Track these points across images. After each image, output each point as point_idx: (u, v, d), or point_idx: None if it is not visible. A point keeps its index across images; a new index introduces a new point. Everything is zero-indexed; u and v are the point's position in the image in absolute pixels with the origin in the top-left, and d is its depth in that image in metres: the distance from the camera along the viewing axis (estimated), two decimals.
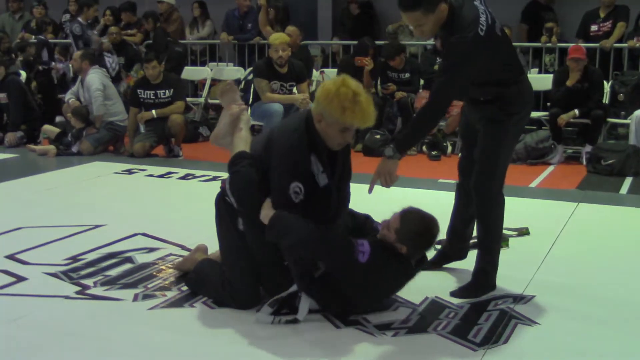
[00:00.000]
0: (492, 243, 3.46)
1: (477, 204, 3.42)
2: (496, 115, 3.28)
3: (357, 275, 3.01)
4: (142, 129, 7.36)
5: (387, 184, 3.22)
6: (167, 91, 7.29)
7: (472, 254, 3.75)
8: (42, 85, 9.04)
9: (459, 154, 3.69)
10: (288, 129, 3.15)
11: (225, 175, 3.29)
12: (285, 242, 3.01)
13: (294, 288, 3.11)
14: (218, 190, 3.37)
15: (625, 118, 7.23)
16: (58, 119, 8.78)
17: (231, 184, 3.18)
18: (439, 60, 7.73)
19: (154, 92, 7.27)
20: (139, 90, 7.31)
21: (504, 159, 3.38)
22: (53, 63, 9.51)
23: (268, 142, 3.18)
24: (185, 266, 3.70)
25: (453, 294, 3.43)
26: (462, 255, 3.79)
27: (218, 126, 3.60)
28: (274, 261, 3.16)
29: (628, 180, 6.30)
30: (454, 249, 3.79)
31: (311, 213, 3.03)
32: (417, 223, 3.09)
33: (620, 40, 7.95)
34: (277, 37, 6.93)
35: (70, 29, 9.17)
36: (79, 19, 8.98)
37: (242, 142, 3.38)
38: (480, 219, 3.45)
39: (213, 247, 3.68)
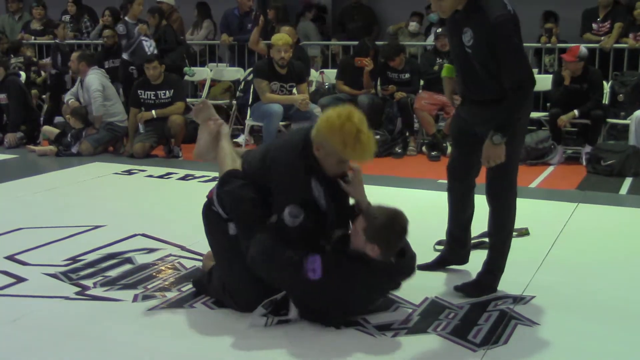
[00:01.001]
0: (503, 246, 3.43)
1: (491, 207, 3.37)
2: None
3: (315, 291, 2.98)
4: (141, 129, 7.35)
5: (488, 164, 3.20)
6: (167, 92, 7.29)
7: (473, 256, 3.76)
8: (52, 89, 9.01)
9: (448, 156, 3.62)
10: (286, 148, 3.14)
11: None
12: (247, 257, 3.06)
13: None
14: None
15: (625, 118, 7.23)
16: (57, 119, 8.78)
17: (225, 202, 3.18)
18: (439, 60, 7.74)
19: (154, 92, 7.27)
20: (139, 91, 7.31)
21: (515, 161, 3.33)
22: (67, 76, 9.24)
23: (264, 159, 3.17)
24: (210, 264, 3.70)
25: (457, 287, 3.43)
26: (463, 261, 3.75)
27: (199, 143, 3.62)
28: None
29: (628, 181, 6.30)
30: (454, 255, 3.75)
31: (307, 234, 3.05)
32: (381, 217, 3.04)
33: (618, 41, 7.94)
34: (280, 38, 6.93)
35: (116, 29, 8.72)
36: (126, 17, 8.41)
37: (229, 158, 3.39)
38: (494, 222, 3.40)
39: None
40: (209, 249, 3.64)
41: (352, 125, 2.97)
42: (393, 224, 3.05)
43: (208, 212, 3.32)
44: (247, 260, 3.07)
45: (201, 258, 3.97)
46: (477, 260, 3.58)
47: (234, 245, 3.18)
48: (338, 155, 3.03)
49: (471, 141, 3.36)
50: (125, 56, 8.38)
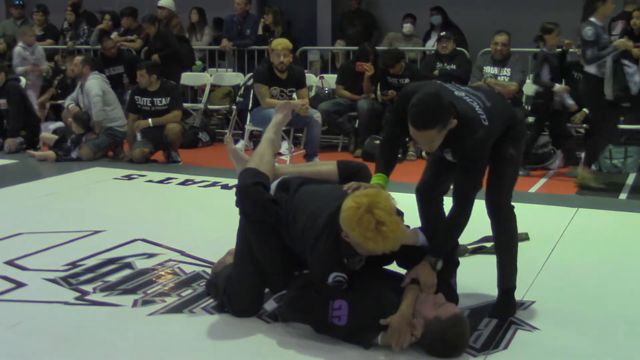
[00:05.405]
0: (516, 256, 3.33)
1: (500, 220, 3.25)
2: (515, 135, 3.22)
3: (340, 333, 2.96)
4: (138, 137, 7.35)
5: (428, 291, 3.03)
6: (163, 99, 7.27)
7: (473, 260, 3.75)
8: None
9: (422, 178, 3.45)
10: (319, 233, 2.97)
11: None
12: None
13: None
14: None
15: (625, 123, 7.22)
16: (55, 125, 8.75)
17: (243, 196, 3.17)
18: (439, 65, 7.77)
19: (150, 99, 7.25)
20: (136, 97, 7.32)
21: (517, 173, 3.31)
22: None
23: (305, 224, 3.05)
24: (218, 270, 3.71)
25: (491, 314, 3.27)
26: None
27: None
28: (281, 271, 3.19)
29: (627, 186, 6.30)
30: None
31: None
32: (456, 330, 2.83)
33: None
34: (279, 43, 6.93)
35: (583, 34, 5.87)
36: (592, 19, 5.81)
37: (258, 158, 3.44)
38: (502, 235, 3.28)
39: (219, 253, 3.71)
40: (216, 256, 3.64)
41: (371, 217, 2.75)
42: (452, 344, 2.85)
43: None
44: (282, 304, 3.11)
45: (201, 263, 3.99)
46: (476, 264, 3.57)
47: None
48: (365, 248, 2.88)
49: (450, 164, 3.22)
50: (591, 69, 5.89)
